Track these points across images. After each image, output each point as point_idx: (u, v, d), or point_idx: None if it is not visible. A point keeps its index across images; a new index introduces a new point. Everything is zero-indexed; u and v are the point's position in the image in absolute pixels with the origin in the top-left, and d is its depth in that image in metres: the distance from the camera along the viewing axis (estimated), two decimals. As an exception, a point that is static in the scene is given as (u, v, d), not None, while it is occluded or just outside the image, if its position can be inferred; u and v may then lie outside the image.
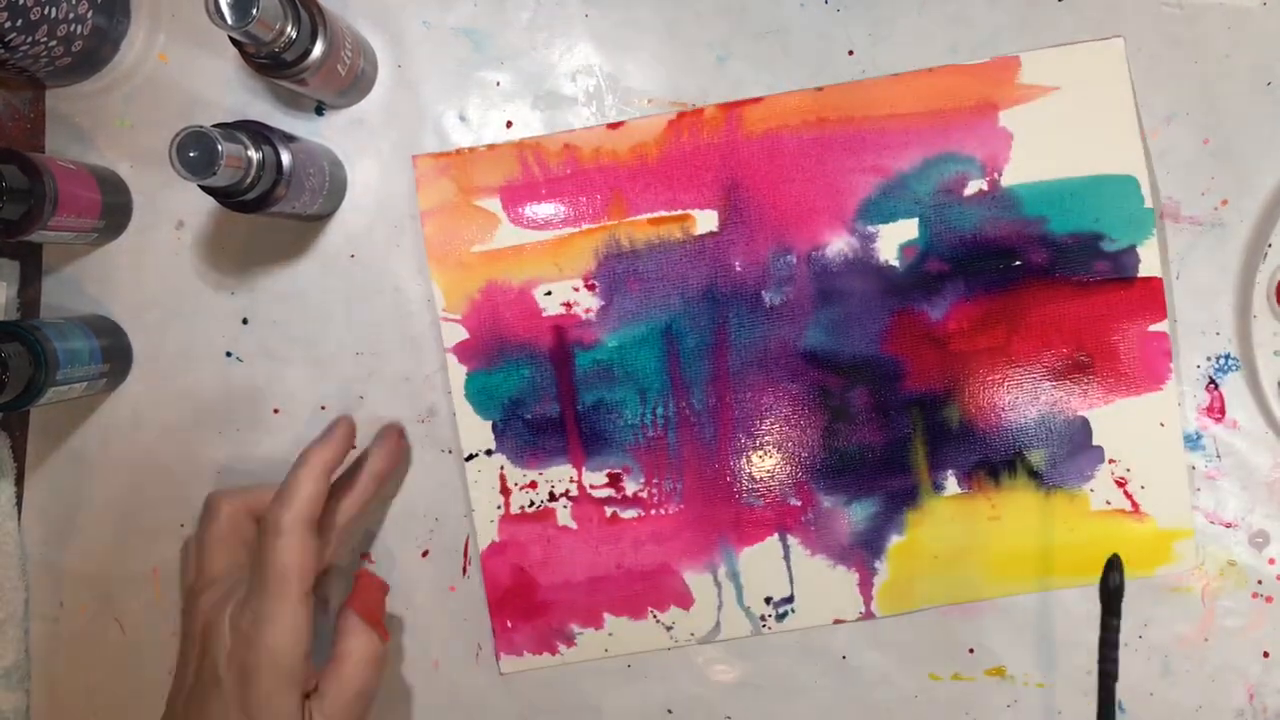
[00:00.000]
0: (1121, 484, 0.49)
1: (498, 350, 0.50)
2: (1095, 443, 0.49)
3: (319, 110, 0.51)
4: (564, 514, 0.51)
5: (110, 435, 0.51)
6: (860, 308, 0.50)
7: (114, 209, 0.50)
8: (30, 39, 0.46)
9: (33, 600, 0.52)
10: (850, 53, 0.50)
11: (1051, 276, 0.49)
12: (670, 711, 0.51)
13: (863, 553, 0.50)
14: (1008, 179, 0.49)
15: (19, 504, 0.51)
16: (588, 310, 0.50)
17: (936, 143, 0.49)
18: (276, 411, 0.51)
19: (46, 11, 0.46)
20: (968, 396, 0.50)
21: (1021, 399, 0.50)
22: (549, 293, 0.50)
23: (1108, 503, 0.49)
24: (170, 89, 0.51)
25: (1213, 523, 0.50)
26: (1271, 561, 0.50)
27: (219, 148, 0.39)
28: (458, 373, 0.50)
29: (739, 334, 0.50)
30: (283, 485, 0.43)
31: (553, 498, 0.51)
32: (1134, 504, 0.49)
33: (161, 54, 0.51)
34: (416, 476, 0.51)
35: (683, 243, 0.50)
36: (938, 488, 0.50)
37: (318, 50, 0.44)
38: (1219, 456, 0.50)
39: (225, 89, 0.51)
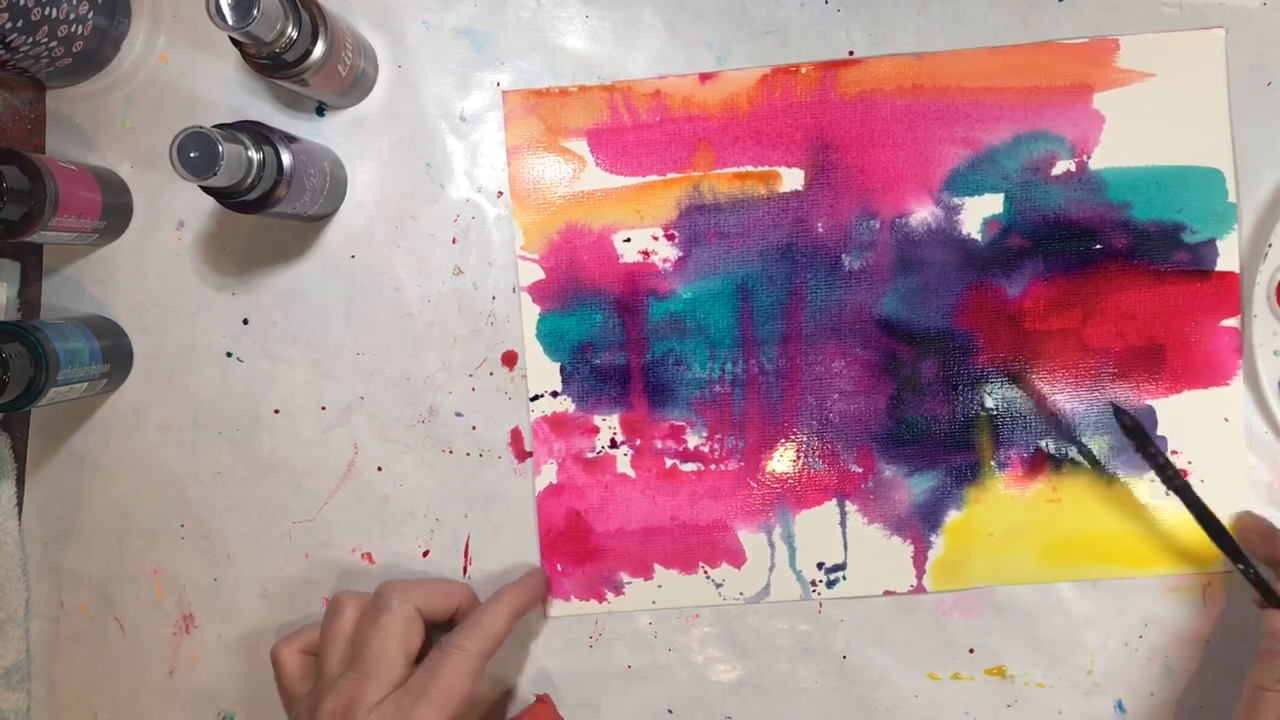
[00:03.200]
0: (1182, 475, 0.49)
1: (572, 293, 0.50)
2: (1160, 432, 0.49)
3: (320, 111, 0.51)
4: (623, 462, 0.50)
5: (110, 435, 0.51)
6: (938, 278, 0.50)
7: (114, 209, 0.50)
8: (31, 39, 0.46)
9: (33, 600, 0.51)
10: (850, 52, 0.50)
11: (1130, 263, 0.49)
12: (670, 711, 0.51)
13: (920, 525, 0.50)
14: (1096, 162, 0.49)
15: (19, 504, 0.51)
16: (665, 260, 0.50)
17: (1029, 119, 0.49)
18: (276, 412, 0.51)
19: (47, 12, 0.46)
20: (1037, 376, 0.50)
21: (1090, 383, 0.50)
22: (628, 239, 0.50)
23: (1167, 494, 0.49)
24: (171, 89, 0.51)
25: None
26: (1272, 561, 0.50)
27: (219, 148, 0.39)
28: (530, 312, 0.50)
29: (815, 296, 0.50)
30: (476, 616, 0.45)
31: (614, 445, 0.50)
32: None
33: (162, 54, 0.51)
34: (417, 476, 0.51)
35: (766, 199, 0.50)
36: (1000, 466, 0.50)
37: (318, 51, 0.44)
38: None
39: (226, 89, 0.51)
